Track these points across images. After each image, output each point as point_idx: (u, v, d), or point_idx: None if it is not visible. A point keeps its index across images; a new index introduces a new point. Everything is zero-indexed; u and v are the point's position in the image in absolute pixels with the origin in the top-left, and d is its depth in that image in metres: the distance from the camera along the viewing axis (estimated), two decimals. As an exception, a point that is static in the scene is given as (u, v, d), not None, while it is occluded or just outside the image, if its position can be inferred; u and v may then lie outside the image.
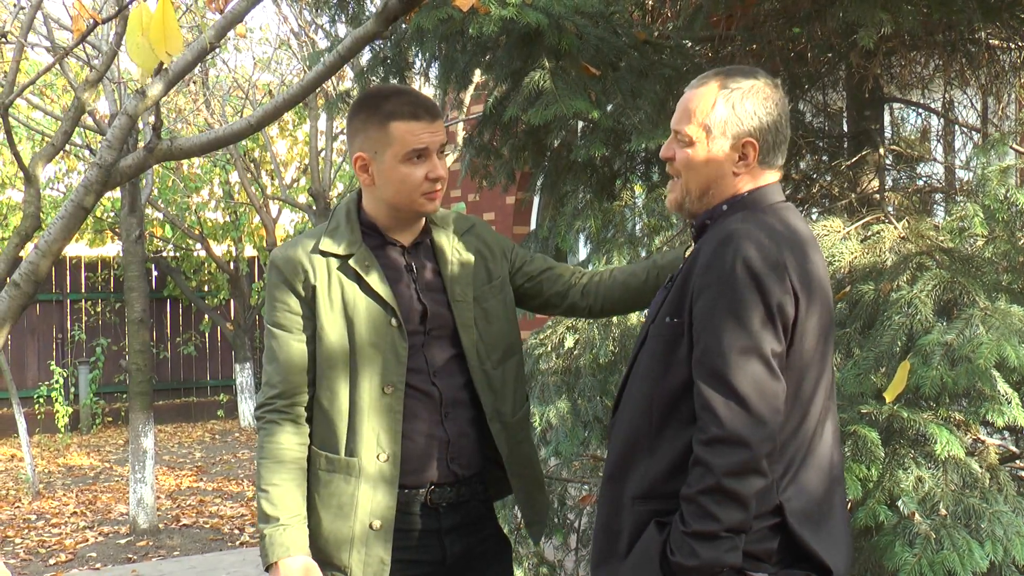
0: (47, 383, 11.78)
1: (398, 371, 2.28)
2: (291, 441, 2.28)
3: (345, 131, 2.37)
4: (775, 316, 1.86)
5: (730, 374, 1.83)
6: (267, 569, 2.22)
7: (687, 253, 2.40)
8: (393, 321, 2.29)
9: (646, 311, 2.38)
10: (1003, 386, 2.64)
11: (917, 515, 2.56)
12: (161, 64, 1.76)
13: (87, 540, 7.01)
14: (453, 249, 2.41)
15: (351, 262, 2.30)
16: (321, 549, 2.28)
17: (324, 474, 2.28)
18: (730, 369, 1.83)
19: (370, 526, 2.26)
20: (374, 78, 3.68)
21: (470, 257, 2.42)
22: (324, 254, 2.31)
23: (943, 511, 2.58)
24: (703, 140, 2.02)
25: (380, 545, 2.26)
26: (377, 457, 2.26)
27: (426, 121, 2.29)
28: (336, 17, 3.86)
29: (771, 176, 2.06)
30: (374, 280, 2.30)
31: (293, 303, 2.30)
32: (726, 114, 2.01)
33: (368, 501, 2.26)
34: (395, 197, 2.31)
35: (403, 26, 3.41)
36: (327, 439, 2.30)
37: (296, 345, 2.30)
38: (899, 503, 2.59)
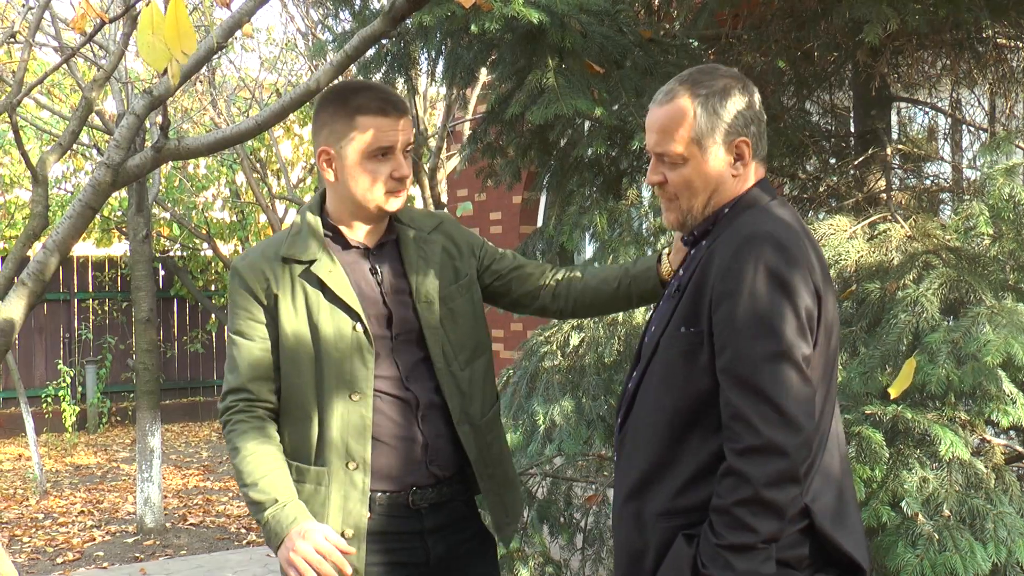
0: (54, 382, 11.80)
1: (365, 378, 2.24)
2: (264, 435, 2.24)
3: (312, 124, 2.32)
4: (803, 319, 1.81)
5: (761, 381, 1.78)
6: (278, 548, 2.13)
7: (668, 252, 2.35)
8: (358, 327, 2.24)
9: (651, 314, 2.33)
10: (1008, 385, 2.63)
11: (920, 516, 2.56)
12: (174, 63, 1.75)
13: (94, 539, 7.02)
14: (419, 248, 2.36)
15: (314, 268, 2.25)
16: None
17: (295, 484, 2.24)
18: (761, 376, 1.78)
19: (342, 534, 2.22)
20: (378, 74, 3.68)
21: (436, 256, 2.37)
22: (286, 261, 2.26)
23: (947, 512, 2.57)
24: (697, 155, 1.96)
25: (359, 553, 2.23)
26: (347, 465, 2.24)
27: (393, 117, 2.24)
28: (339, 11, 3.86)
29: (760, 169, 2.02)
30: (338, 286, 2.25)
31: (256, 311, 2.26)
32: (712, 120, 1.94)
33: (339, 510, 2.23)
34: (358, 194, 2.27)
35: (407, 22, 3.42)
36: (297, 449, 2.27)
37: (259, 354, 2.26)
38: (903, 504, 2.59)
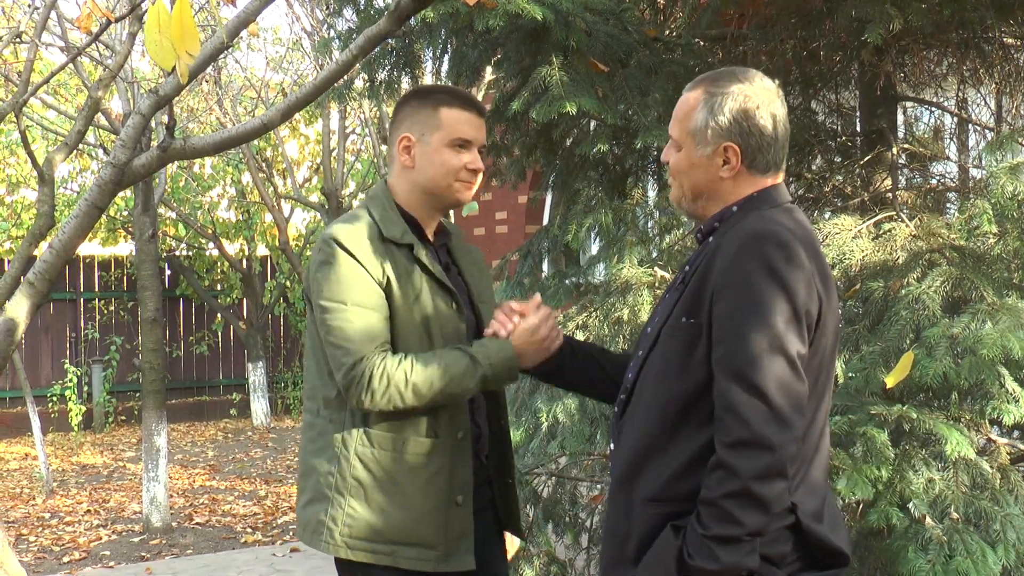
0: (61, 382, 11.83)
1: None
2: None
3: (391, 120, 2.46)
4: (801, 317, 1.84)
5: (755, 375, 1.80)
6: (517, 365, 2.29)
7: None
8: (454, 305, 2.37)
9: (654, 307, 2.38)
10: (1011, 384, 2.62)
11: (928, 518, 2.55)
12: (181, 62, 1.76)
13: (100, 538, 7.04)
14: (467, 254, 2.55)
15: (416, 251, 2.35)
16: (409, 529, 2.31)
17: (410, 456, 2.31)
18: (756, 370, 1.81)
19: (456, 502, 2.33)
20: (383, 73, 3.69)
21: (482, 264, 2.59)
22: (390, 242, 2.34)
23: (955, 515, 2.56)
24: (689, 145, 2.03)
25: (468, 519, 2.34)
26: (456, 435, 2.35)
27: (474, 114, 2.40)
28: (343, 9, 3.86)
29: (772, 179, 2.03)
30: (437, 269, 2.37)
31: (373, 287, 2.29)
32: (705, 120, 2.00)
33: (452, 478, 2.33)
34: (432, 181, 2.38)
35: (411, 20, 3.42)
36: (411, 423, 2.32)
37: (384, 324, 2.29)
38: (910, 505, 2.57)
